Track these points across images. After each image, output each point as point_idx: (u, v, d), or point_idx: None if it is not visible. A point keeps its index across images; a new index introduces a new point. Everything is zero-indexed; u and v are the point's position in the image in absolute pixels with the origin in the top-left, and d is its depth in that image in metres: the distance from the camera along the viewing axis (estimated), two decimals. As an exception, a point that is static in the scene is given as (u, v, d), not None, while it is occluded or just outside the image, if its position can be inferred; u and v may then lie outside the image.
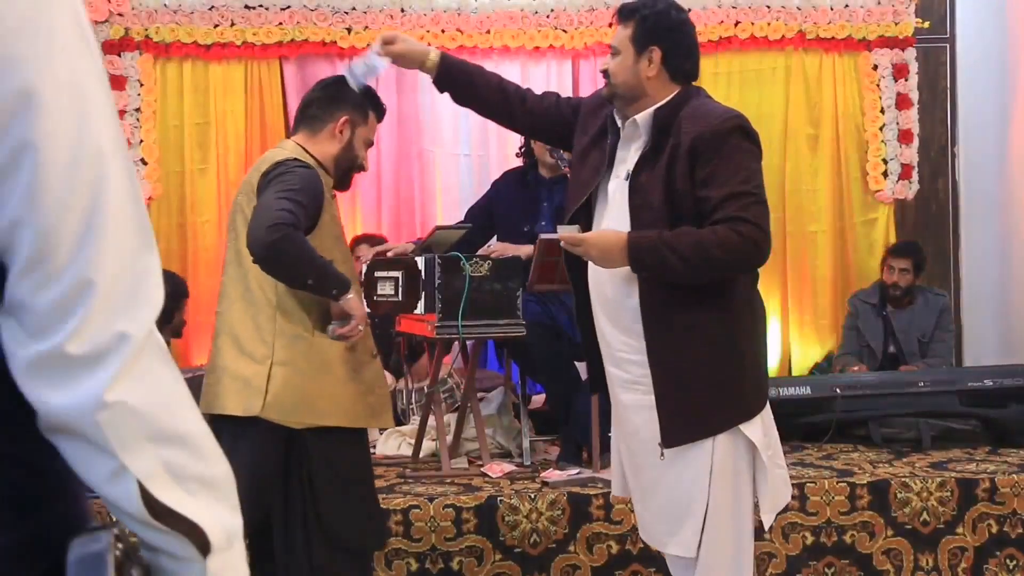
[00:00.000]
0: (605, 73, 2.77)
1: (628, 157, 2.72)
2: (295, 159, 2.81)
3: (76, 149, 0.86)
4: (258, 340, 2.76)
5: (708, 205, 2.57)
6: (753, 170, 2.63)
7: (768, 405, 2.74)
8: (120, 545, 0.90)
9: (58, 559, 0.88)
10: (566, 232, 2.66)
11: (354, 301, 2.81)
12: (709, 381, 2.63)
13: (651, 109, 2.69)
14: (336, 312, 2.80)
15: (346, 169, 2.98)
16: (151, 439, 0.89)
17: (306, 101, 3.02)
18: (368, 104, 2.97)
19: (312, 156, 2.88)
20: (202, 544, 0.91)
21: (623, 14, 2.74)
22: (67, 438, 0.88)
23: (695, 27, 2.83)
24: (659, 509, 2.73)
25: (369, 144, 3.02)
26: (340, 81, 2.97)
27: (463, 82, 2.93)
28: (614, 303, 2.73)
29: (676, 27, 2.73)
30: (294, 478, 2.79)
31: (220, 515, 0.94)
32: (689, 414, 2.63)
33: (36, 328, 0.86)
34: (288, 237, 2.61)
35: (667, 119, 2.67)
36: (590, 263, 2.75)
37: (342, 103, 2.93)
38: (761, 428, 2.68)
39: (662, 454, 2.66)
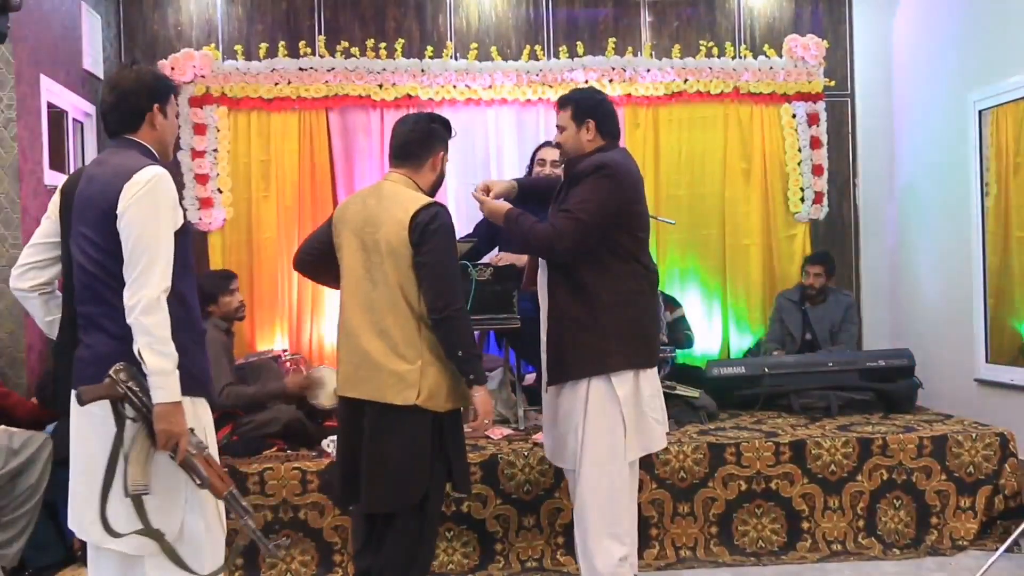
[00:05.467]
0: (558, 145, 3.06)
1: None
2: (434, 203, 2.74)
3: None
4: (408, 344, 2.69)
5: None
6: (591, 199, 2.83)
7: (655, 373, 2.97)
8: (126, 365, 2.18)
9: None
10: (477, 195, 3.12)
11: (483, 397, 2.73)
12: (572, 342, 2.89)
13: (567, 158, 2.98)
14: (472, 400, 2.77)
15: (438, 188, 2.93)
16: (145, 333, 2.12)
17: (404, 140, 2.85)
18: (448, 134, 2.92)
19: (419, 187, 2.83)
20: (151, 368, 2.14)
21: (562, 102, 3.04)
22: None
23: (612, 104, 3.09)
24: (555, 434, 3.01)
25: (446, 161, 2.95)
26: (430, 119, 2.89)
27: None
28: (540, 281, 3.05)
29: (599, 104, 3.02)
30: (436, 448, 2.75)
31: (155, 360, 2.12)
32: (561, 362, 2.92)
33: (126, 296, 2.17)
34: (463, 315, 2.68)
35: (576, 164, 2.94)
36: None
37: (436, 140, 2.86)
38: (631, 386, 2.88)
39: (546, 389, 3.01)
